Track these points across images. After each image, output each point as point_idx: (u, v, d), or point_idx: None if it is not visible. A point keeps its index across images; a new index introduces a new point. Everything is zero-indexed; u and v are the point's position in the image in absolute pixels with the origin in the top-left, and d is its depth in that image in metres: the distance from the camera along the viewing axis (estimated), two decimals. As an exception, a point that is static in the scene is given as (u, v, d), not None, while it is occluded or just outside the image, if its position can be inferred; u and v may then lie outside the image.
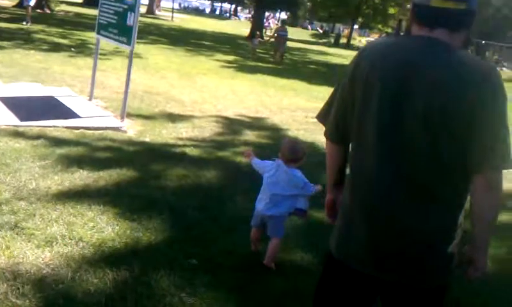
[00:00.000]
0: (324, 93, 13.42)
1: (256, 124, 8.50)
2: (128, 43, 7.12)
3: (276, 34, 21.18)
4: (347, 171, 2.09)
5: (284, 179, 3.60)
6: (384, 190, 1.83)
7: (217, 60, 17.84)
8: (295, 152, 3.65)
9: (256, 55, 21.16)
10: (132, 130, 6.85)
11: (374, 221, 1.86)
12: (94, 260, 3.41)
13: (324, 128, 2.12)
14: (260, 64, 19.02)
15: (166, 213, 4.28)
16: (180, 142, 6.61)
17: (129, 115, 7.34)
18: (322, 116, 2.18)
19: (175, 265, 3.49)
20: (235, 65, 17.17)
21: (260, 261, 3.68)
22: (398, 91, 1.79)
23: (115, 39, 7.54)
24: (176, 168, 5.48)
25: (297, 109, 10.41)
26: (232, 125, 8.09)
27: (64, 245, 3.53)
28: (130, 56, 7.19)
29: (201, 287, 3.29)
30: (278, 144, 7.38)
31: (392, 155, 1.81)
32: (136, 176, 5.09)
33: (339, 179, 2.19)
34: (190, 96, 10.13)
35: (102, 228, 3.85)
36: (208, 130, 7.53)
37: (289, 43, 24.39)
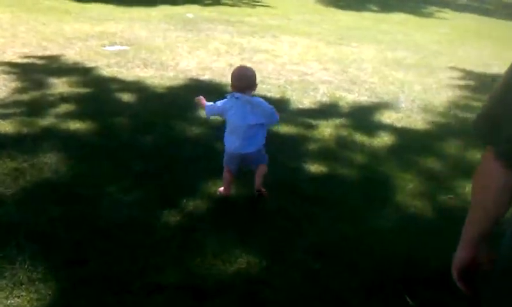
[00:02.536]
0: (100, 12, 11.61)
1: (55, 66, 6.71)
2: None
3: None
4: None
5: (250, 109, 3.32)
6: None
7: None
8: (248, 78, 3.39)
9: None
10: None
11: None
12: None
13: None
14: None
15: (27, 248, 2.82)
16: (-26, 114, 4.73)
17: None
18: (489, 132, 1.29)
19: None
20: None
21: None
22: None
23: None
24: (-3, 160, 3.81)
25: (87, 36, 8.62)
26: (27, 74, 6.21)
27: None
28: None
29: None
30: (99, 90, 5.91)
31: None
32: None
33: (494, 227, 1.35)
34: None
35: None
36: (0, 86, 5.62)
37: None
